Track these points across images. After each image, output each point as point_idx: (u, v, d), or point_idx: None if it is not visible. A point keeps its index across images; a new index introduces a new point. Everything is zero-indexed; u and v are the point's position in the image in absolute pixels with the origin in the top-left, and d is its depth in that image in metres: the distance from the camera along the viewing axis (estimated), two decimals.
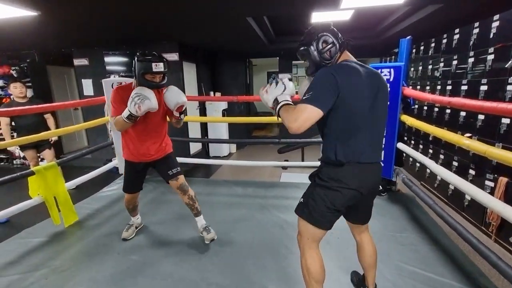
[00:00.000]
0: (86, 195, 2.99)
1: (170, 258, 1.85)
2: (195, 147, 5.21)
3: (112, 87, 2.76)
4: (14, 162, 5.16)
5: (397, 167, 2.60)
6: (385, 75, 2.39)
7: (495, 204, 1.31)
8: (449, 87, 2.98)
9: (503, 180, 2.12)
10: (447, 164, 3.00)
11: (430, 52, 3.55)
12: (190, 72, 4.86)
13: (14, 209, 2.01)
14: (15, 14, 2.45)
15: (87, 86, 4.69)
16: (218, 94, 5.68)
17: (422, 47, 3.81)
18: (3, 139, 2.83)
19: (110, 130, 3.07)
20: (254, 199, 2.82)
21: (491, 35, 2.35)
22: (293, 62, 6.31)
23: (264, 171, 4.43)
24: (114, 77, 2.91)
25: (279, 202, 2.72)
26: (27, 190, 2.23)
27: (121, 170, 3.06)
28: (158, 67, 1.64)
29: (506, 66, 2.15)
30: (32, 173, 2.10)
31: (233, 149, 5.83)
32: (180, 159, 2.16)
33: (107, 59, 4.45)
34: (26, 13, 2.42)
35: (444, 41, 3.14)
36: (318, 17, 3.50)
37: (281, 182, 3.72)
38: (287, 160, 4.25)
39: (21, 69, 4.82)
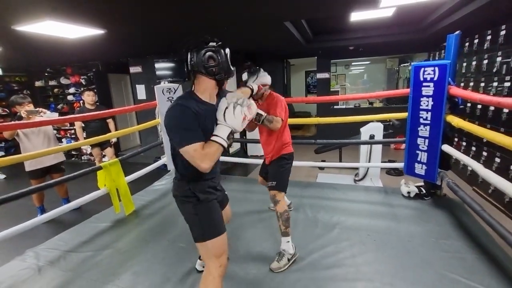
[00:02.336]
0: (138, 188, 3.38)
1: None
2: (234, 147, 5.46)
3: (163, 92, 3.09)
4: (82, 158, 5.99)
5: (441, 170, 2.46)
6: (429, 73, 2.29)
7: None
8: (507, 84, 2.71)
9: None
10: (504, 169, 2.74)
11: (485, 45, 3.24)
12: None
13: (85, 198, 2.41)
14: (86, 33, 2.89)
15: (141, 91, 5.24)
16: None
17: (476, 40, 3.49)
18: (76, 139, 3.37)
19: (160, 131, 3.41)
20: (290, 198, 2.91)
21: None
22: (332, 60, 6.20)
23: (301, 171, 4.47)
24: (164, 83, 3.24)
25: (314, 202, 2.76)
26: (95, 182, 2.64)
27: (169, 167, 3.39)
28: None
29: None
30: (100, 168, 2.48)
31: None
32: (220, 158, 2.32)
33: (157, 65, 4.91)
34: (95, 32, 2.85)
35: (503, 32, 2.86)
36: (357, 16, 3.44)
37: (317, 182, 3.74)
38: (324, 161, 4.24)
39: (88, 77, 5.57)
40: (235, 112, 1.16)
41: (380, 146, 3.57)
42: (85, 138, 3.68)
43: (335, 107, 6.30)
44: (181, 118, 1.13)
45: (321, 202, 2.77)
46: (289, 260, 1.78)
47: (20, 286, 1.73)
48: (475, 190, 3.32)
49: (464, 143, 3.66)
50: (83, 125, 3.86)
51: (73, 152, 6.09)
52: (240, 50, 5.47)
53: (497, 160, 2.88)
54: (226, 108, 1.16)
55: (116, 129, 4.18)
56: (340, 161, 4.45)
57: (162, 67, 4.92)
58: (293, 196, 2.97)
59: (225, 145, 1.15)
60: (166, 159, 3.39)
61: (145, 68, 5.10)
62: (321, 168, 4.41)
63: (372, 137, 3.48)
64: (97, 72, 5.57)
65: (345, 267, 1.79)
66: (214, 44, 1.19)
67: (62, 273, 1.83)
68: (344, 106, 6.60)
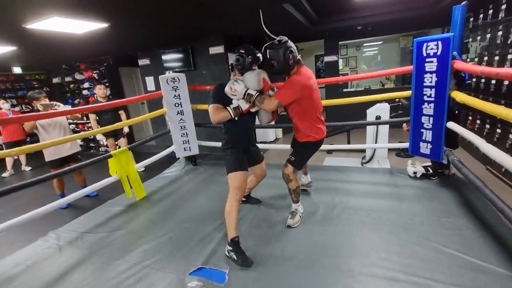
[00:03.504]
0: (152, 175, 3.55)
1: (214, 226, 2.15)
2: None
3: (167, 82, 3.17)
4: (100, 149, 6.30)
5: (448, 149, 2.40)
6: (432, 48, 2.21)
7: None
8: None
9: None
10: None
11: (500, 16, 3.04)
12: None
13: (98, 184, 2.58)
14: (90, 28, 3.00)
15: (150, 82, 5.39)
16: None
17: (490, 11, 3.28)
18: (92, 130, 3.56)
19: (168, 120, 3.52)
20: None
21: None
22: (340, 42, 6.02)
23: None
24: (169, 73, 3.31)
25: (317, 184, 2.79)
26: (108, 170, 2.80)
27: (178, 155, 3.52)
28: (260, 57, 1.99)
29: None
30: (110, 156, 2.63)
31: (279, 134, 5.97)
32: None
33: (164, 57, 5.01)
34: (98, 25, 2.95)
35: None
36: None
37: (323, 165, 3.74)
38: (332, 144, 4.21)
39: (100, 72, 5.78)
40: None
41: (387, 127, 3.50)
42: None
43: (344, 90, 6.16)
44: (213, 91, 1.91)
45: (324, 184, 2.79)
46: (300, 217, 2.14)
47: (43, 262, 1.92)
48: (489, 169, 3.21)
49: (478, 121, 3.51)
50: (97, 118, 4.06)
51: (91, 145, 6.41)
52: (246, 37, 5.43)
53: (511, 136, 2.76)
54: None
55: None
56: (349, 143, 4.40)
57: (169, 58, 5.01)
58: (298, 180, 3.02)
59: (232, 112, 1.84)
60: (174, 147, 3.51)
61: (153, 60, 5.22)
62: (329, 152, 4.39)
63: (378, 118, 3.42)
64: (108, 66, 5.76)
65: (342, 244, 1.83)
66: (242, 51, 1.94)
67: (79, 251, 2.01)
68: (354, 89, 6.45)
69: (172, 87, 3.18)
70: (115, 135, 4.08)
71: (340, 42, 5.99)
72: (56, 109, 2.93)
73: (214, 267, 1.70)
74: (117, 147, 4.24)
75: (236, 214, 1.79)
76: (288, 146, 2.39)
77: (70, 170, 2.50)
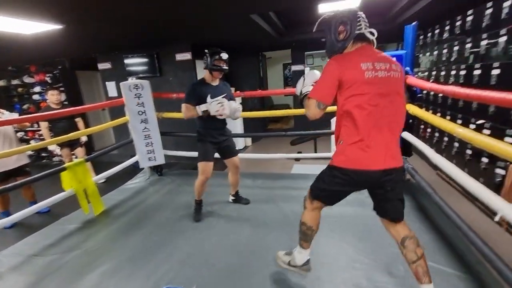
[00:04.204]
0: (114, 187, 3.32)
1: (179, 243, 2.07)
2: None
3: (130, 89, 3.01)
4: (53, 159, 5.76)
5: (403, 157, 2.59)
6: None
7: (486, 195, 1.33)
8: (462, 72, 2.86)
9: None
10: (460, 154, 2.92)
11: (444, 35, 3.40)
12: (203, 71, 5.05)
13: (51, 200, 2.35)
14: (43, 28, 2.76)
15: (111, 88, 5.08)
16: (232, 90, 5.82)
17: (437, 31, 3.65)
18: (44, 140, 3.24)
19: (131, 129, 3.34)
20: (262, 190, 2.96)
21: (503, 16, 2.23)
22: (306, 52, 6.26)
23: (277, 163, 4.54)
24: (132, 79, 3.15)
25: (286, 193, 2.83)
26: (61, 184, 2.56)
27: (142, 165, 3.34)
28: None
29: None
30: (64, 169, 2.41)
31: (249, 142, 5.99)
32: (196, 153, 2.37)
33: (127, 61, 4.77)
34: (52, 27, 2.72)
35: (458, 23, 3.00)
36: (325, 7, 3.48)
37: (291, 173, 3.82)
38: (300, 152, 4.32)
39: (54, 75, 5.32)
40: (213, 104, 2.10)
41: None
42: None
43: None
44: (186, 90, 2.22)
45: (292, 192, 2.84)
46: (289, 265, 1.59)
47: None
48: (439, 175, 3.52)
49: (429, 130, 3.85)
50: (49, 125, 3.71)
51: (43, 154, 5.84)
52: (214, 44, 5.40)
53: (456, 144, 3.06)
54: (214, 100, 2.09)
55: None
56: (315, 151, 4.55)
57: (133, 63, 4.78)
58: (265, 188, 3.03)
59: (199, 112, 2.10)
60: (138, 156, 3.33)
61: (115, 64, 4.94)
62: (297, 160, 4.50)
63: None
64: (63, 70, 5.32)
65: (313, 251, 1.87)
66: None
67: (25, 278, 1.79)
68: None
69: (135, 95, 3.03)
70: (71, 144, 3.75)
71: (306, 52, 6.22)
72: (0, 118, 2.62)
73: (180, 286, 1.63)
74: (74, 157, 3.91)
75: (200, 188, 2.31)
76: (255, 155, 2.41)
77: (16, 186, 2.24)
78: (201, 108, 2.09)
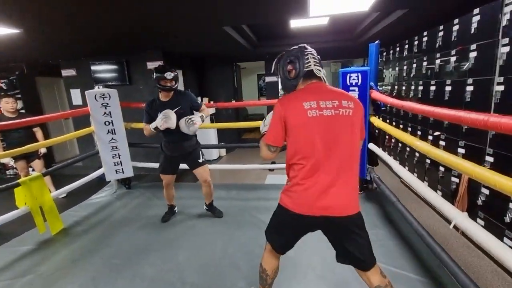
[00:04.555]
0: (77, 202, 3.09)
1: (149, 260, 1.96)
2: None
3: (96, 98, 2.87)
4: (7, 172, 5.24)
5: (370, 167, 2.72)
6: (354, 79, 2.52)
7: (441, 205, 1.43)
8: (420, 87, 3.10)
9: (465, 176, 2.24)
10: (420, 163, 3.13)
11: (404, 53, 3.68)
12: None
13: (1, 219, 2.11)
14: None
15: (76, 96, 4.79)
16: (205, 100, 5.77)
17: (397, 49, 3.94)
18: None
19: (96, 140, 3.16)
20: (237, 201, 2.94)
21: (453, 38, 2.47)
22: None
23: (251, 174, 4.54)
24: (99, 87, 3.01)
25: (259, 204, 2.83)
26: (15, 201, 2.33)
27: (108, 178, 3.16)
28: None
29: (464, 68, 2.27)
30: (18, 185, 2.20)
31: (223, 152, 5.93)
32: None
33: (94, 68, 4.55)
34: (8, 31, 2.52)
35: (416, 43, 3.27)
36: (296, 23, 3.62)
37: (265, 184, 3.83)
38: (274, 162, 4.36)
39: (10, 81, 4.91)
40: (158, 119, 2.16)
41: None
42: (4, 150, 3.22)
43: None
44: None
45: (266, 203, 2.84)
46: None
47: None
48: (402, 182, 3.74)
49: (393, 141, 4.09)
50: (0, 136, 3.39)
51: None
52: (187, 54, 5.36)
53: (417, 154, 3.28)
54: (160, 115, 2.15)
55: (47, 139, 3.75)
56: None
57: (100, 69, 4.57)
58: (239, 199, 3.01)
59: (152, 129, 2.18)
60: (104, 169, 3.14)
61: (80, 70, 4.68)
62: (271, 170, 4.53)
63: None
64: (21, 75, 4.92)
65: (283, 265, 1.86)
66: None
67: None
68: None
69: (102, 104, 2.89)
70: (27, 156, 3.43)
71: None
72: None
73: None
74: (31, 170, 3.59)
75: (165, 194, 2.51)
76: (229, 166, 2.41)
77: None
78: (152, 126, 2.18)
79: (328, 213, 1.10)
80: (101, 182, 3.42)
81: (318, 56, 1.24)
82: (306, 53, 1.19)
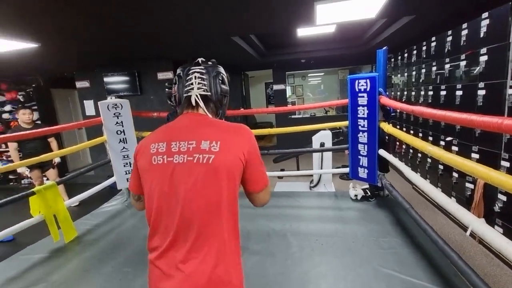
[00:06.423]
0: (89, 211, 3.14)
1: None
2: None
3: (108, 108, 2.95)
4: (22, 182, 5.40)
5: (381, 173, 2.67)
6: (362, 85, 2.51)
7: (456, 210, 1.39)
8: (430, 93, 3.07)
9: (480, 182, 2.18)
10: (433, 168, 3.06)
11: (413, 59, 3.66)
12: None
13: (16, 227, 2.16)
14: (17, 47, 2.68)
15: (89, 106, 4.94)
16: None
17: (406, 54, 3.93)
18: (12, 161, 3.04)
19: (108, 149, 3.23)
20: (245, 208, 2.90)
21: (462, 42, 2.45)
22: (287, 72, 6.48)
23: None
24: (111, 98, 3.09)
25: (268, 211, 2.80)
26: (29, 209, 2.39)
27: (120, 186, 3.21)
28: None
29: (475, 72, 2.24)
30: (33, 193, 2.26)
31: None
32: None
33: (107, 79, 4.70)
34: (27, 45, 2.65)
35: (424, 48, 3.25)
36: (303, 31, 3.67)
37: (274, 191, 3.81)
38: (283, 170, 4.35)
39: (27, 94, 5.11)
40: None
41: (330, 153, 3.77)
42: (20, 160, 3.33)
43: (292, 116, 6.55)
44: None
45: (275, 210, 2.82)
46: None
47: None
48: (415, 189, 3.65)
49: (404, 147, 4.03)
50: (18, 147, 3.51)
51: (10, 177, 5.46)
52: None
53: (429, 160, 3.21)
54: None
55: (61, 149, 3.86)
56: (298, 169, 4.60)
57: (113, 81, 4.71)
58: (248, 207, 2.99)
59: None
60: (115, 177, 3.19)
61: (93, 82, 4.84)
62: (280, 177, 4.52)
63: (322, 144, 3.67)
64: (37, 88, 5.13)
65: (293, 272, 1.83)
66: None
67: None
68: (301, 116, 6.89)
69: (114, 114, 2.96)
70: (42, 166, 3.55)
71: (287, 72, 6.45)
72: None
73: None
74: (46, 179, 3.69)
75: None
76: None
77: None
78: None
79: None
80: (112, 191, 3.48)
81: (222, 77, 1.00)
82: (191, 72, 0.94)
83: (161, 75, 4.57)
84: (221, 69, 1.00)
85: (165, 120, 1.80)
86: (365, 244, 2.11)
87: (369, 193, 2.92)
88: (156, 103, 4.62)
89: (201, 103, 0.91)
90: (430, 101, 3.06)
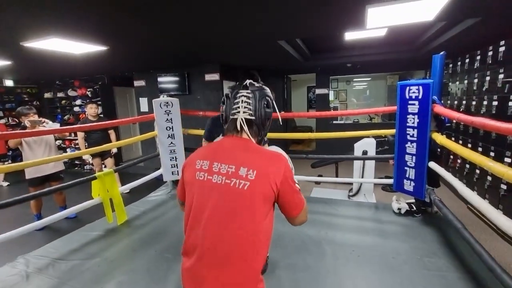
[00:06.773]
0: (137, 198, 3.46)
1: None
2: None
3: (161, 106, 3.21)
4: (85, 167, 6.14)
5: (430, 187, 2.47)
6: (414, 92, 2.35)
7: None
8: (495, 103, 2.75)
9: None
10: (493, 188, 2.73)
11: (475, 65, 3.30)
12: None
13: (79, 206, 2.49)
14: (89, 49, 3.07)
15: (144, 103, 5.43)
16: None
17: (467, 60, 3.56)
18: (79, 149, 3.50)
19: (158, 143, 3.52)
20: (281, 214, 2.93)
21: None
22: (331, 77, 6.33)
23: None
24: (163, 96, 3.37)
25: None
26: (90, 191, 2.72)
27: (165, 178, 3.47)
28: None
29: None
30: (95, 178, 2.57)
31: None
32: None
33: (160, 79, 5.12)
34: (98, 48, 3.03)
35: (490, 53, 2.92)
36: (351, 35, 3.56)
37: (310, 196, 3.75)
38: (321, 175, 4.26)
39: (94, 90, 5.81)
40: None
41: (373, 162, 3.59)
42: (86, 149, 3.81)
43: (334, 122, 6.36)
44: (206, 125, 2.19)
45: (311, 216, 2.76)
46: None
47: None
48: (470, 208, 3.29)
49: (459, 161, 3.65)
50: (85, 135, 4.01)
51: (76, 162, 6.25)
52: (240, 67, 5.65)
53: (489, 178, 2.87)
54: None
55: (118, 140, 4.32)
56: (337, 176, 4.46)
57: (165, 81, 5.12)
58: None
59: None
60: (162, 170, 3.47)
61: (149, 82, 5.31)
62: (317, 183, 4.42)
63: (364, 152, 3.52)
64: (103, 85, 5.81)
65: (326, 282, 1.80)
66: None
67: (48, 280, 1.88)
68: (342, 122, 6.66)
69: (165, 111, 3.22)
70: (102, 154, 4.02)
71: (331, 77, 6.29)
72: (44, 126, 2.90)
73: None
74: (103, 166, 4.16)
75: None
76: None
77: (50, 191, 2.41)
78: None
79: None
80: (158, 182, 3.77)
81: (267, 100, 0.99)
82: (238, 96, 0.98)
83: (208, 77, 4.83)
84: (267, 92, 1.03)
85: (211, 119, 1.92)
86: (407, 262, 1.97)
87: (415, 208, 2.71)
88: (203, 103, 4.89)
89: (245, 127, 0.96)
90: (494, 112, 2.73)
